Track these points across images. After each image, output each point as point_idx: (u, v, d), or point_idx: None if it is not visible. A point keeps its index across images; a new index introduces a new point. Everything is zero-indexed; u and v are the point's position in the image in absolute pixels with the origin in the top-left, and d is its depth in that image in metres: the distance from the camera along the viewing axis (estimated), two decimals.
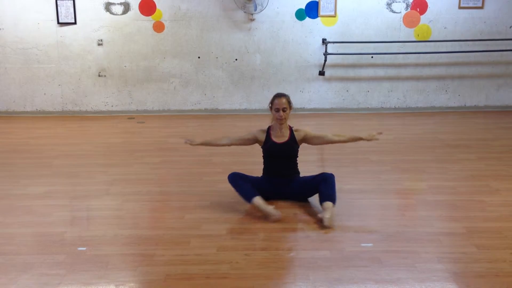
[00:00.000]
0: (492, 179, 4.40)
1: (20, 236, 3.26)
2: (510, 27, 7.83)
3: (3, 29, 7.60)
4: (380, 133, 3.73)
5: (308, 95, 7.97)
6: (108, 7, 7.57)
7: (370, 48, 7.78)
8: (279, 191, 3.78)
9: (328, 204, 3.49)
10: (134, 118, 7.63)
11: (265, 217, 3.46)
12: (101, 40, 7.66)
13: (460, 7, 7.70)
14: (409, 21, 7.74)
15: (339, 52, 7.77)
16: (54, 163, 5.04)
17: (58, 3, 7.50)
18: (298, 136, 3.81)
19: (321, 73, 7.79)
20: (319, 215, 3.40)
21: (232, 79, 7.91)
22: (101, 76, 7.82)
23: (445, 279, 2.65)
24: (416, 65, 7.95)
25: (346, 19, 7.70)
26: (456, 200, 3.88)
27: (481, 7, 7.71)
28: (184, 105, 7.97)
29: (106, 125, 7.15)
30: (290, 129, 3.83)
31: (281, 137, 3.80)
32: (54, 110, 7.90)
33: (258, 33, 7.73)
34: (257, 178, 3.83)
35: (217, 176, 4.52)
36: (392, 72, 7.97)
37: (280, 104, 3.70)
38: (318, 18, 7.69)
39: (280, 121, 3.74)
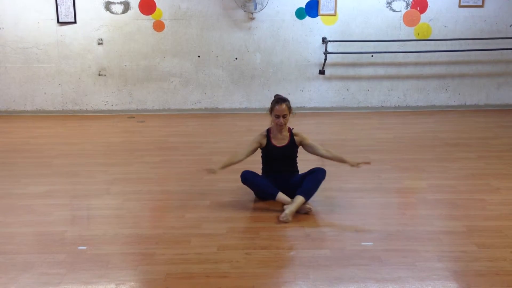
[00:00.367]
0: (492, 177, 4.40)
1: (20, 235, 3.26)
2: (510, 25, 7.82)
3: (3, 28, 7.59)
4: (368, 163, 3.65)
5: (308, 94, 7.97)
6: (108, 6, 7.56)
7: (370, 47, 7.77)
8: (278, 188, 3.76)
9: (298, 198, 3.50)
10: (134, 117, 7.63)
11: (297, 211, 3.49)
12: (101, 39, 7.66)
13: (460, 6, 7.69)
14: (409, 20, 7.74)
15: (339, 51, 7.77)
16: (54, 163, 5.04)
17: (58, 2, 7.49)
18: (297, 140, 3.82)
19: (321, 72, 7.79)
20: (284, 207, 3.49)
21: (232, 78, 7.91)
22: (101, 75, 7.81)
23: (446, 278, 2.65)
24: (416, 64, 7.94)
25: (346, 18, 7.69)
26: (456, 198, 3.88)
27: (481, 6, 7.71)
28: (184, 104, 7.97)
29: (106, 124, 7.15)
30: (290, 132, 3.83)
31: (281, 141, 3.80)
32: (54, 110, 7.90)
33: (258, 32, 7.73)
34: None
35: (217, 175, 4.51)
36: (392, 71, 7.97)
37: (280, 111, 3.69)
38: (318, 17, 7.69)
39: (280, 127, 3.74)
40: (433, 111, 7.94)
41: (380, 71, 7.95)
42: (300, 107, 7.89)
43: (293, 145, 3.80)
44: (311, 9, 7.66)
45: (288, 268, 2.80)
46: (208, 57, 7.81)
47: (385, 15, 7.70)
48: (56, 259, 2.89)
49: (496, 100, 8.11)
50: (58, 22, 7.58)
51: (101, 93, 7.87)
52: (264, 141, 3.83)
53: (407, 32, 7.76)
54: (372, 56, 7.83)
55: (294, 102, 7.64)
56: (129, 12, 7.59)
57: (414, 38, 7.78)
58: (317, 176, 3.61)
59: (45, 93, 7.84)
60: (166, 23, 7.65)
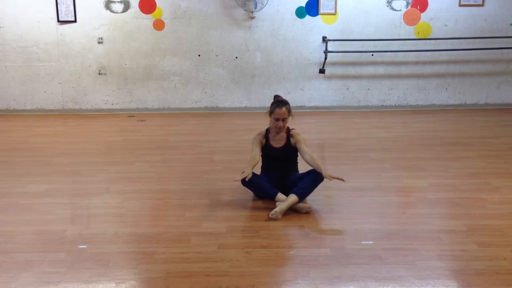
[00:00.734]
0: (492, 177, 4.40)
1: (20, 234, 3.26)
2: (511, 24, 7.82)
3: (3, 27, 7.59)
4: (342, 180, 3.54)
5: (309, 93, 7.96)
6: (108, 5, 7.56)
7: (371, 46, 7.77)
8: (276, 186, 3.76)
9: (292, 197, 3.51)
10: (134, 116, 7.63)
11: (295, 210, 3.51)
12: (101, 38, 7.66)
13: (460, 5, 7.69)
14: (410, 19, 7.73)
15: (339, 50, 7.77)
16: (54, 161, 5.04)
17: (58, 1, 7.49)
18: (292, 141, 3.78)
19: (322, 71, 7.79)
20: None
21: (232, 77, 7.90)
22: (101, 74, 7.81)
23: (445, 277, 2.65)
24: (417, 63, 7.94)
25: (347, 17, 7.69)
26: (456, 198, 3.88)
27: (482, 5, 7.70)
28: (184, 103, 7.97)
29: (107, 123, 7.15)
30: (287, 133, 3.82)
31: (278, 142, 3.80)
32: (55, 108, 7.90)
33: (258, 31, 7.73)
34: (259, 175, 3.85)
35: (218, 174, 4.53)
36: (392, 70, 7.96)
37: (280, 114, 3.68)
38: (319, 16, 7.68)
39: (279, 130, 3.74)
40: (433, 110, 7.94)
41: (380, 70, 7.95)
42: (300, 106, 7.89)
43: (289, 146, 3.79)
44: (311, 8, 7.66)
45: (288, 267, 2.80)
46: (208, 56, 7.81)
47: (386, 14, 7.70)
48: (56, 257, 2.89)
49: (496, 99, 8.11)
50: (58, 21, 7.58)
51: (101, 92, 7.87)
52: (264, 140, 3.83)
53: (407, 31, 7.76)
54: (372, 55, 7.83)
55: (294, 101, 7.68)
56: (129, 11, 7.59)
57: (414, 37, 7.77)
58: (314, 177, 3.60)
59: (45, 92, 7.84)
60: (166, 22, 7.65)
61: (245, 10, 7.57)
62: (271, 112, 3.74)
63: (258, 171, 3.92)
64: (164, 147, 5.66)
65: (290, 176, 3.81)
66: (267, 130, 3.85)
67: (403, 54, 7.87)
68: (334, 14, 7.67)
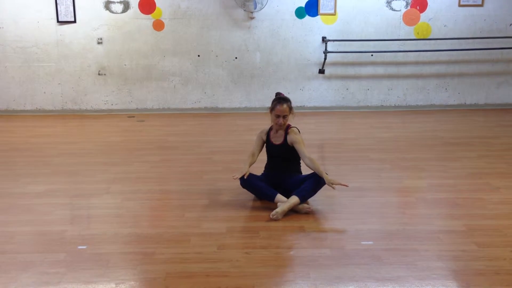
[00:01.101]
0: (492, 177, 4.40)
1: (20, 234, 3.26)
2: (510, 24, 7.82)
3: (2, 27, 7.59)
4: (345, 185, 3.54)
5: (308, 93, 7.96)
6: (107, 5, 7.56)
7: (370, 46, 7.77)
8: (277, 186, 3.76)
9: (293, 198, 3.52)
10: (134, 116, 7.63)
11: (295, 211, 3.52)
12: (101, 39, 7.66)
13: (460, 5, 7.70)
14: (409, 19, 7.73)
15: (339, 50, 7.77)
16: (54, 162, 5.04)
17: (57, 1, 7.48)
18: (289, 139, 3.75)
19: (321, 71, 7.79)
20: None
21: (232, 78, 7.90)
22: (101, 74, 7.81)
23: (445, 277, 2.65)
24: (416, 63, 7.94)
25: (346, 17, 7.69)
26: (456, 198, 3.88)
27: (481, 5, 7.71)
28: (184, 104, 7.96)
29: (106, 123, 7.15)
30: (286, 130, 3.80)
31: (278, 139, 3.80)
32: (54, 109, 7.90)
33: (258, 31, 7.73)
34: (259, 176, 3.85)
35: (217, 174, 4.53)
36: (392, 70, 7.97)
37: (281, 111, 3.68)
38: (318, 16, 7.69)
39: (280, 127, 3.74)
40: (433, 110, 7.94)
41: (380, 70, 7.95)
42: (300, 106, 7.89)
43: (286, 144, 3.77)
44: (311, 8, 7.66)
45: (288, 268, 2.80)
46: (208, 56, 7.81)
47: (385, 14, 7.70)
48: (56, 258, 2.89)
49: (496, 99, 8.11)
50: (58, 21, 7.58)
51: (101, 92, 7.87)
52: (265, 137, 3.85)
53: (407, 31, 7.76)
54: (372, 55, 7.83)
55: (294, 101, 7.59)
56: (128, 11, 7.59)
57: (414, 37, 7.78)
58: (317, 180, 3.60)
59: (45, 93, 7.84)
60: (166, 22, 7.65)
61: (244, 10, 7.57)
62: (272, 109, 3.74)
63: (261, 170, 3.93)
64: (163, 148, 5.66)
65: (292, 177, 3.79)
66: (270, 128, 3.86)
67: (402, 54, 7.87)
68: (334, 14, 7.67)
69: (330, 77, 7.93)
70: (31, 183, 4.34)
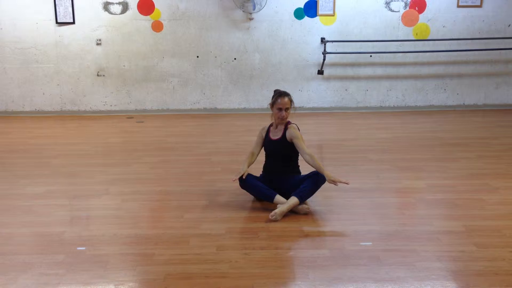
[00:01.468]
0: (491, 177, 4.40)
1: (19, 236, 3.26)
2: (509, 25, 7.84)
3: (1, 29, 7.59)
4: (346, 183, 3.53)
5: (307, 94, 7.97)
6: (106, 6, 7.56)
7: (369, 47, 7.78)
8: (276, 187, 3.76)
9: (293, 199, 3.52)
10: (133, 117, 7.63)
11: (295, 212, 3.52)
12: (100, 40, 7.66)
13: (458, 6, 7.71)
14: (408, 20, 7.74)
15: (337, 51, 7.78)
16: (53, 163, 5.03)
17: (56, 2, 7.49)
18: (288, 134, 3.73)
19: (320, 72, 7.79)
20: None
21: (231, 79, 7.91)
22: (100, 75, 7.81)
23: (444, 278, 2.65)
24: (415, 64, 7.95)
25: (345, 18, 7.70)
26: (455, 198, 3.89)
27: (480, 6, 7.72)
28: (183, 105, 7.97)
29: (105, 124, 7.15)
30: (285, 126, 3.79)
31: (276, 134, 3.80)
32: (53, 110, 7.90)
33: (257, 33, 7.73)
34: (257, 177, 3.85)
35: (216, 175, 4.53)
36: (391, 71, 7.97)
37: (283, 104, 3.68)
38: (317, 17, 7.69)
39: (282, 120, 3.73)
40: (431, 111, 7.95)
41: (379, 71, 7.96)
42: (299, 107, 7.89)
43: (284, 140, 3.74)
44: (310, 9, 7.66)
45: (287, 268, 2.80)
46: (206, 58, 7.81)
47: (384, 15, 7.71)
48: (55, 259, 2.89)
49: (495, 100, 8.12)
50: (57, 22, 7.58)
51: (100, 93, 7.87)
52: (264, 134, 3.85)
53: (405, 32, 7.77)
54: (370, 56, 7.84)
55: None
56: (127, 12, 7.59)
57: (413, 38, 7.79)
58: (316, 180, 3.60)
59: (43, 94, 7.83)
60: (164, 23, 7.65)
61: (243, 11, 7.58)
62: (273, 103, 3.73)
63: (259, 171, 3.93)
64: (162, 149, 5.66)
65: (291, 179, 3.77)
66: (271, 125, 3.87)
67: (401, 55, 7.88)
68: (333, 15, 7.68)
69: (329, 78, 7.93)
70: (30, 184, 4.33)
